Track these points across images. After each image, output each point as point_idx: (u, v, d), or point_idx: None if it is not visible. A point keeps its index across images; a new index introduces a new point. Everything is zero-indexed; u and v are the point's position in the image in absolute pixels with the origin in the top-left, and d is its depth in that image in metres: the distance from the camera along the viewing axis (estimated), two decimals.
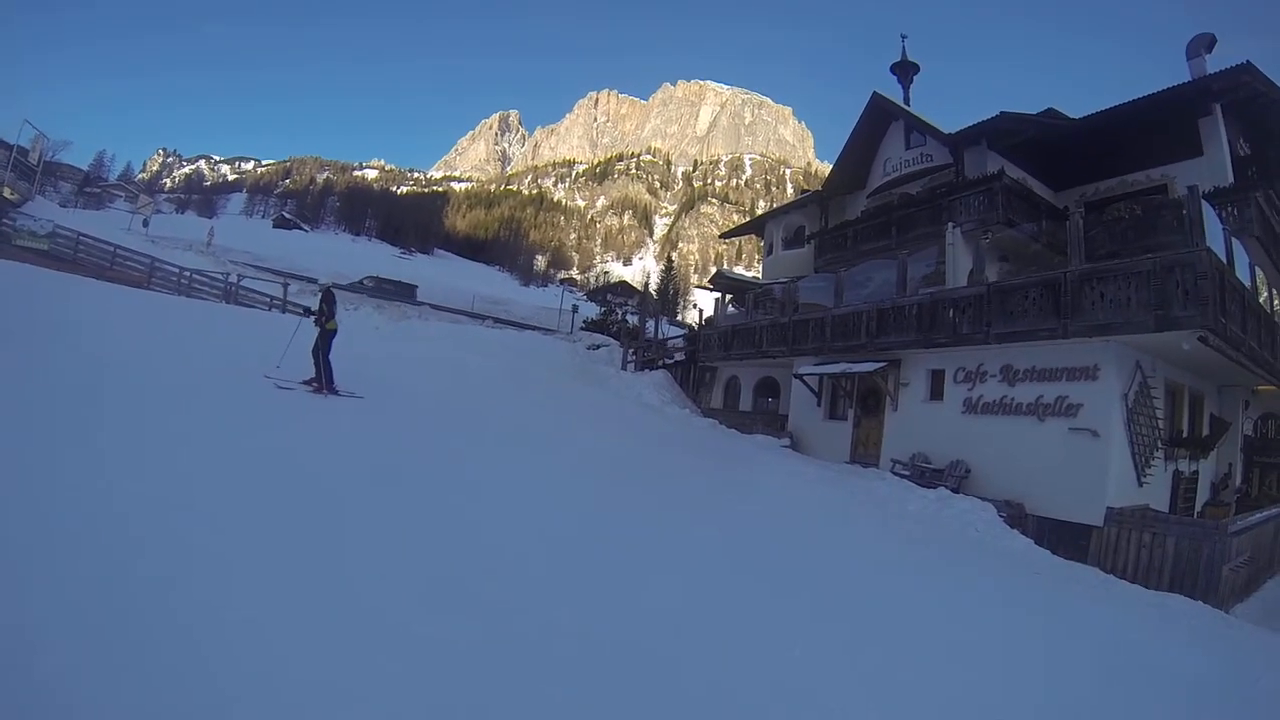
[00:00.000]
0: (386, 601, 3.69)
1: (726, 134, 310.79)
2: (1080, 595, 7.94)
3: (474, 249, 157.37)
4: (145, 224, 48.10)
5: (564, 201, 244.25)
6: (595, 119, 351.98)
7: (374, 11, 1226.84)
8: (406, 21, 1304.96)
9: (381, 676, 2.91)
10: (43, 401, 6.09)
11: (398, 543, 4.68)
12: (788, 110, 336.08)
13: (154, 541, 3.78)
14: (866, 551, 8.31)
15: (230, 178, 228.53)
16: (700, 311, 32.07)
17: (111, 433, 5.71)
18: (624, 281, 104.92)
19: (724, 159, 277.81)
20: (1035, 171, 17.79)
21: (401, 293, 50.10)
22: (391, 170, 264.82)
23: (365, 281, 48.91)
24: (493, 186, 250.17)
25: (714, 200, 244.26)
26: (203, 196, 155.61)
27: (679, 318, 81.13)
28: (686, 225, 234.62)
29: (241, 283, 28.80)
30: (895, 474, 14.04)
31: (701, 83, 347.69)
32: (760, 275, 30.52)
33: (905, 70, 23.87)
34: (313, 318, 11.12)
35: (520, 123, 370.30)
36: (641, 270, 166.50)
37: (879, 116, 21.68)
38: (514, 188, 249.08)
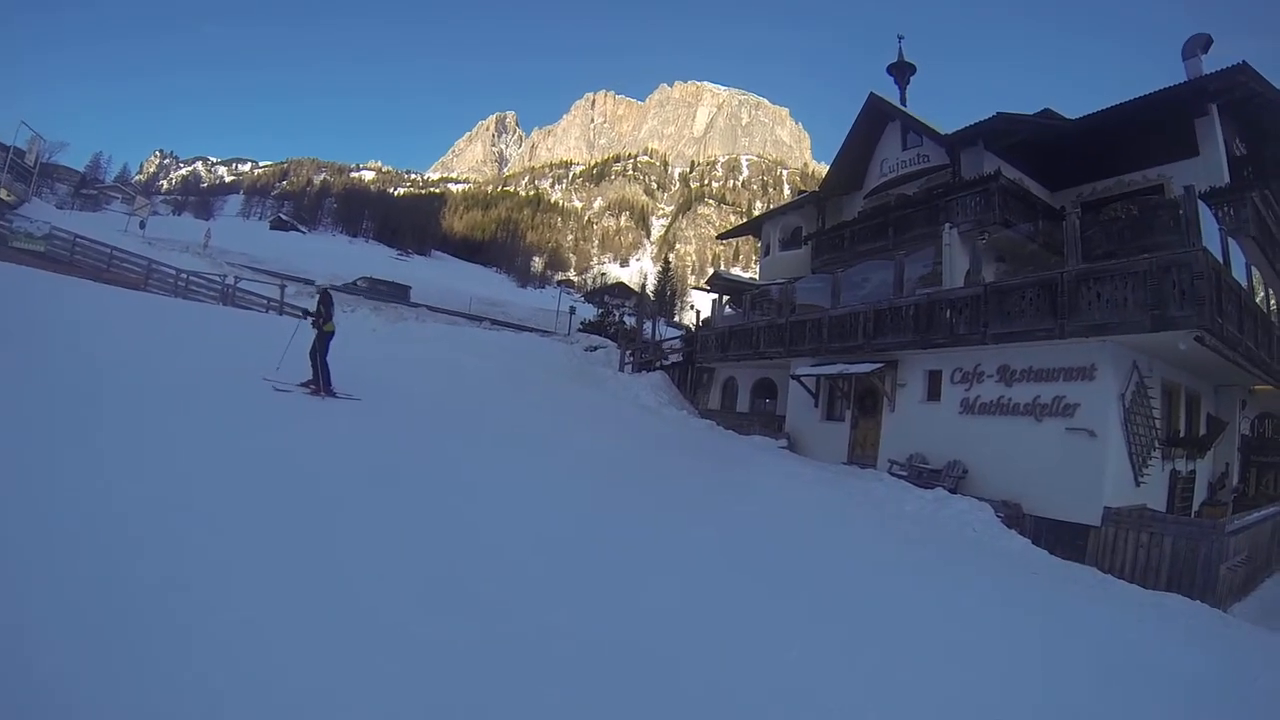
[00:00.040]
0: (384, 602, 3.69)
1: (723, 135, 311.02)
2: (1078, 595, 7.95)
3: (471, 250, 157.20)
4: (142, 226, 47.99)
5: (561, 203, 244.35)
6: (592, 120, 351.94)
7: (371, 12, 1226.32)
8: (404, 23, 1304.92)
9: (378, 678, 2.90)
10: (41, 403, 6.08)
11: (395, 544, 4.67)
12: (785, 111, 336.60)
13: (152, 542, 3.79)
14: (864, 552, 8.31)
15: (227, 179, 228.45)
16: (697, 313, 32.07)
17: (109, 435, 5.70)
18: (621, 283, 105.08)
19: (721, 160, 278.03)
20: (1032, 172, 17.82)
21: (395, 293, 50.09)
22: (388, 172, 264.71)
23: (359, 282, 48.83)
24: (490, 188, 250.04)
25: (711, 201, 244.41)
26: (199, 198, 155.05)
27: (676, 319, 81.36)
28: (683, 226, 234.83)
29: (239, 284, 28.73)
30: (892, 475, 14.03)
31: (698, 84, 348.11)
32: (757, 276, 30.58)
33: (902, 71, 23.93)
34: (310, 320, 11.10)
35: (517, 124, 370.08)
36: (639, 271, 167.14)
37: (876, 117, 21.72)
38: (511, 189, 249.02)
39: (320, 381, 10.48)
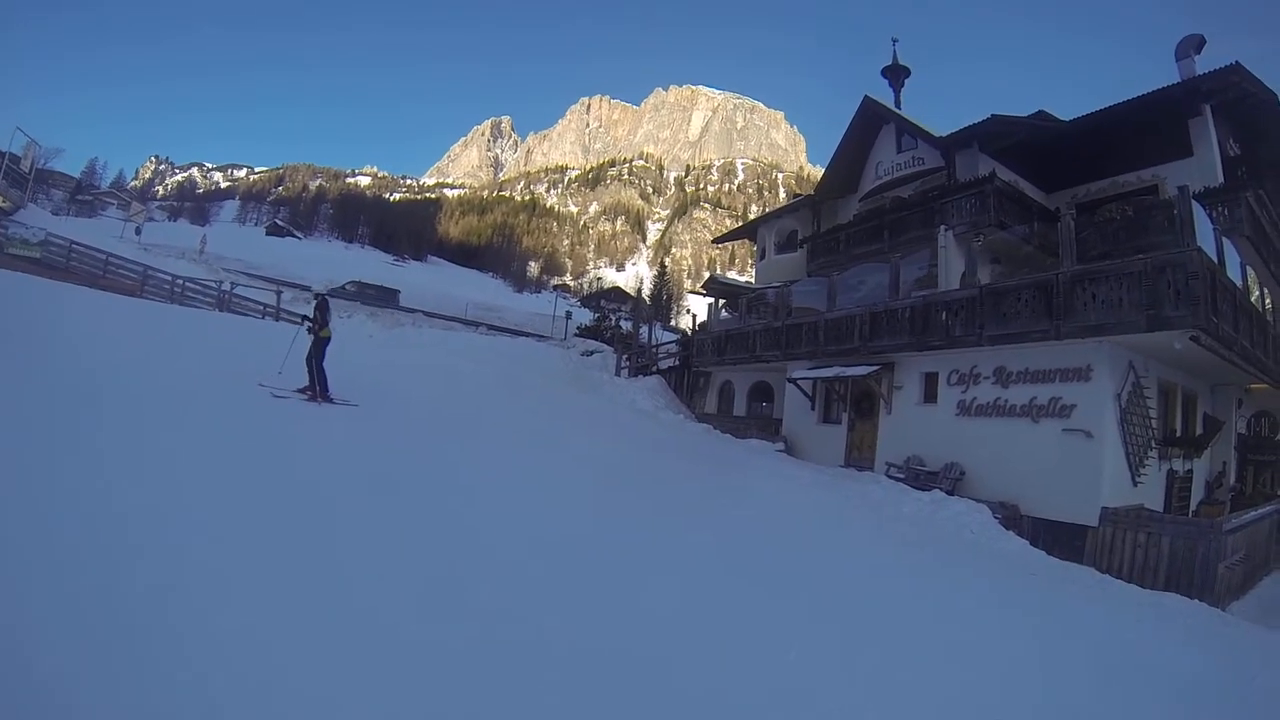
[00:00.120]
0: (382, 604, 3.69)
1: (719, 139, 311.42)
2: (1076, 595, 7.94)
3: (467, 255, 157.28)
4: (138, 232, 47.86)
5: (557, 207, 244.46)
6: (587, 124, 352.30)
7: (366, 18, 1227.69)
8: (399, 28, 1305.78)
9: (377, 680, 2.89)
10: (39, 409, 6.07)
11: (393, 547, 4.66)
12: (780, 114, 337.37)
13: (151, 545, 3.79)
14: (862, 554, 8.29)
15: (223, 185, 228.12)
16: (694, 316, 32.05)
17: (107, 441, 5.69)
18: (617, 287, 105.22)
19: (716, 164, 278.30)
20: (1026, 174, 17.88)
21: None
22: (384, 177, 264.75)
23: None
24: (485, 193, 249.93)
25: (707, 205, 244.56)
26: (195, 204, 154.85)
27: (672, 323, 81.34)
28: (679, 230, 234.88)
29: (235, 290, 28.69)
30: (890, 477, 14.04)
31: (693, 87, 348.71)
32: (753, 280, 30.59)
33: (896, 74, 24.00)
34: (307, 326, 11.09)
35: (513, 129, 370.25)
36: (635, 276, 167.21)
37: (870, 120, 21.80)
38: (507, 194, 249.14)
39: (317, 387, 10.47)
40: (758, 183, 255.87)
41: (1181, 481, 13.63)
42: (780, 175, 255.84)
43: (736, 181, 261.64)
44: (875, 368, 15.78)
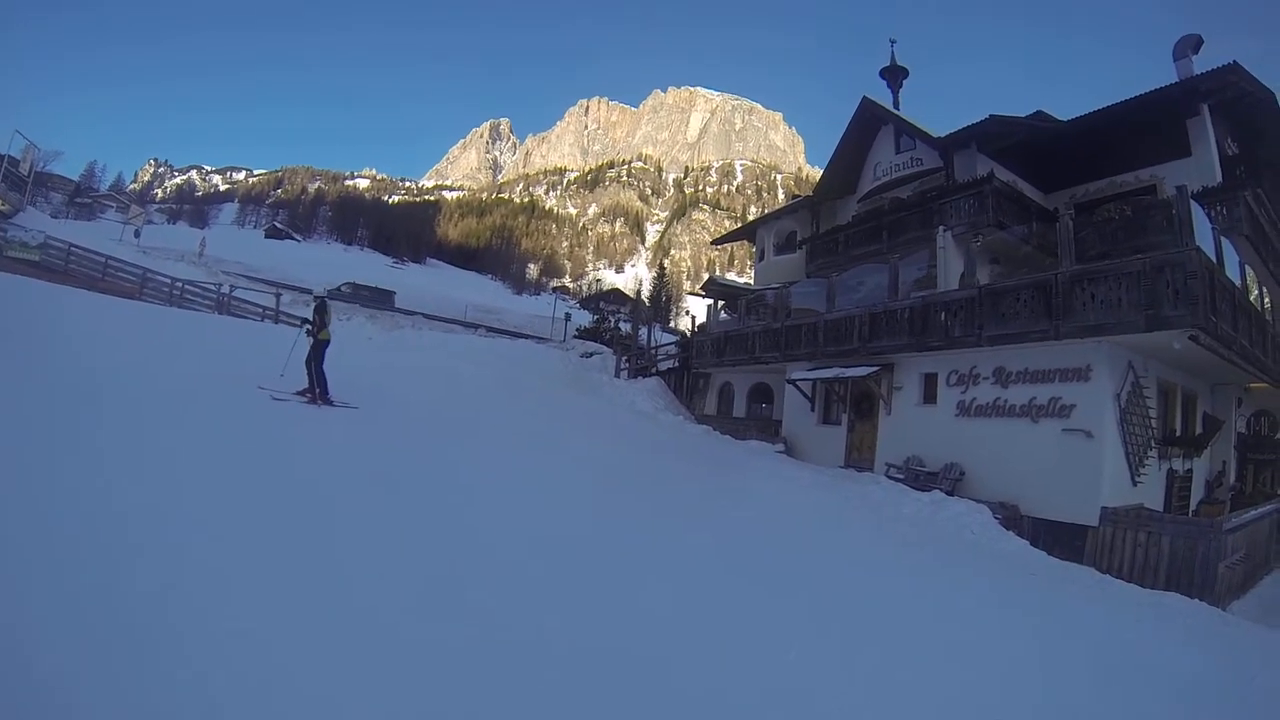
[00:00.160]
0: (381, 605, 3.69)
1: (717, 140, 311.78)
2: (1076, 595, 7.94)
3: (466, 258, 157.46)
4: (137, 235, 47.79)
5: (556, 209, 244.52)
6: (586, 126, 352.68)
7: (365, 20, 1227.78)
8: (397, 30, 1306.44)
9: (376, 679, 2.89)
10: (39, 411, 6.07)
11: (393, 547, 4.67)
12: (778, 116, 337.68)
13: (151, 546, 3.80)
14: (861, 555, 8.29)
15: (222, 188, 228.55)
16: (693, 318, 31.99)
17: (107, 442, 5.70)
18: (616, 289, 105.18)
19: (715, 165, 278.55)
20: (1025, 174, 17.88)
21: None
22: (383, 179, 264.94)
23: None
24: (484, 195, 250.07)
25: (705, 207, 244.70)
26: (194, 207, 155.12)
27: (672, 324, 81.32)
28: (678, 232, 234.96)
29: (234, 293, 28.68)
30: (890, 478, 14.03)
31: (692, 89, 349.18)
32: (752, 281, 30.59)
33: (894, 75, 24.02)
34: (306, 328, 11.10)
35: (511, 131, 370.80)
36: (634, 277, 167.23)
37: (869, 121, 21.80)
38: (505, 196, 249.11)
39: (316, 390, 10.48)
40: (756, 184, 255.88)
41: (1181, 481, 13.63)
42: (779, 176, 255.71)
43: (735, 183, 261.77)
44: (875, 369, 15.78)
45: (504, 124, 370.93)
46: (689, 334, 30.77)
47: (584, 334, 42.84)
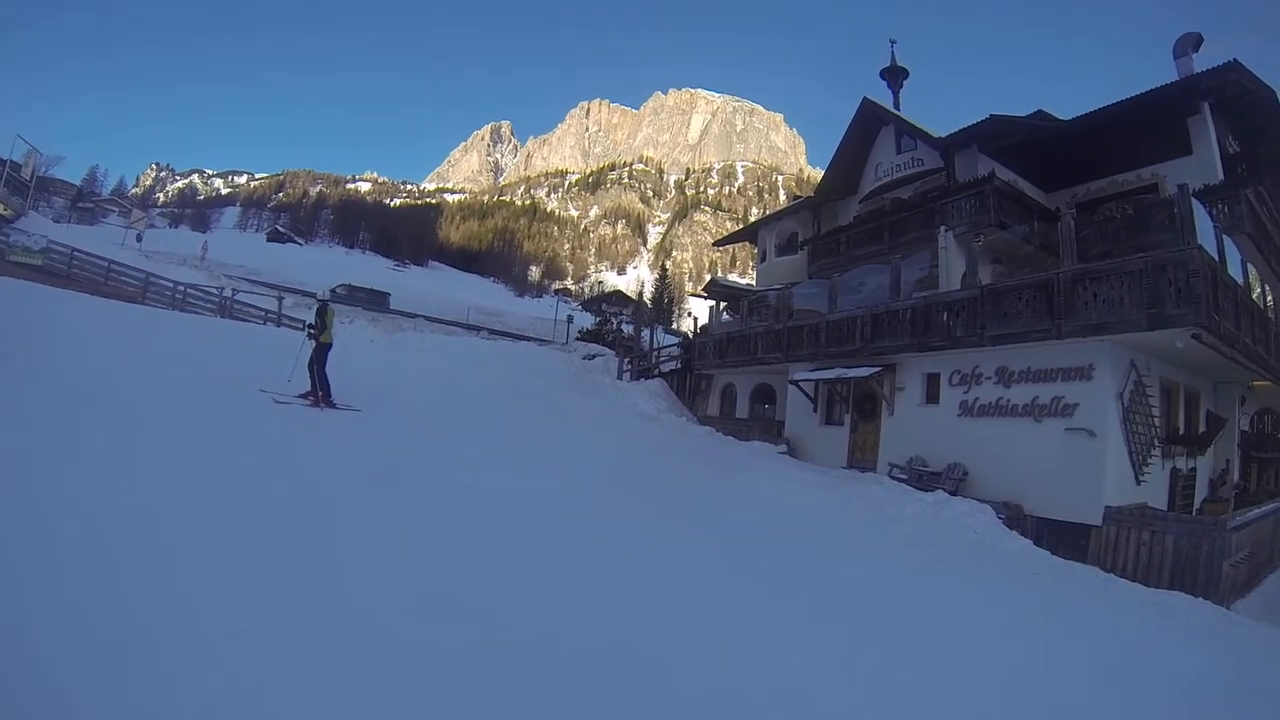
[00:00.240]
0: (380, 606, 3.69)
1: (718, 142, 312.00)
2: (1080, 594, 7.92)
3: (468, 260, 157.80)
4: (139, 239, 47.94)
5: (557, 211, 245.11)
6: (587, 129, 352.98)
7: (365, 23, 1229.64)
8: (397, 32, 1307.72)
9: (376, 680, 2.88)
10: (41, 414, 6.08)
11: (394, 549, 4.66)
12: (779, 117, 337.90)
13: (152, 547, 3.81)
14: (864, 555, 8.28)
15: (224, 191, 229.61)
16: (695, 319, 32.00)
17: (109, 445, 5.71)
18: (618, 291, 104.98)
19: (716, 167, 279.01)
20: (1026, 173, 17.87)
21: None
22: (384, 183, 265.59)
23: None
24: (486, 198, 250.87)
25: (707, 208, 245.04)
26: (196, 211, 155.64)
27: (674, 326, 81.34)
28: (680, 233, 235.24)
29: (236, 297, 28.71)
30: (893, 478, 14.01)
31: (692, 91, 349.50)
32: (754, 282, 30.59)
33: (895, 75, 24.05)
34: (309, 331, 11.12)
35: (512, 133, 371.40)
36: (636, 279, 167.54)
37: (870, 122, 21.82)
38: (507, 198, 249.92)
39: (319, 393, 10.49)
40: (758, 185, 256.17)
41: (1185, 480, 13.60)
42: (780, 177, 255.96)
43: (736, 184, 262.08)
44: (877, 369, 15.76)
45: (505, 126, 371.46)
46: (691, 335, 30.79)
47: (586, 336, 42.84)
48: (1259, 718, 4.95)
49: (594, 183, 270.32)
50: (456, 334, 38.97)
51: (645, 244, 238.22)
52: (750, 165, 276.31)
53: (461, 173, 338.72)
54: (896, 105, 23.02)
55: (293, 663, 2.92)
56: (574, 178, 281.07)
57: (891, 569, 7.61)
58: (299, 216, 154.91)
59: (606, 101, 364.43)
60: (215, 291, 28.79)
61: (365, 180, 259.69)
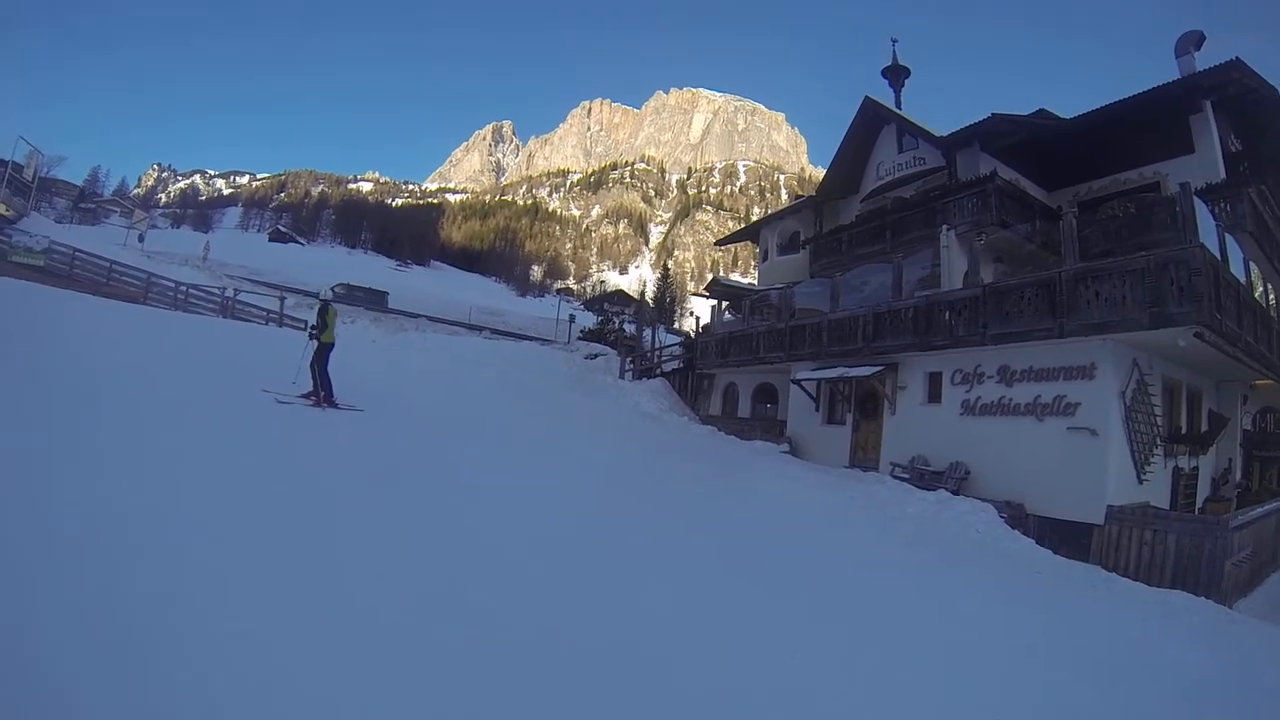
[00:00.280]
0: (381, 605, 3.68)
1: (720, 141, 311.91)
2: (1082, 594, 7.92)
3: (470, 260, 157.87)
4: (141, 239, 47.98)
5: (559, 211, 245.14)
6: (589, 128, 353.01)
7: (365, 23, 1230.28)
8: (398, 33, 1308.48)
9: (375, 681, 2.88)
10: (42, 414, 6.08)
11: (395, 549, 4.66)
12: (780, 116, 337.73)
13: (153, 547, 3.80)
14: (866, 554, 8.28)
15: (225, 192, 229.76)
16: (697, 319, 31.98)
17: (110, 444, 5.70)
18: (620, 290, 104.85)
19: (718, 166, 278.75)
20: (1028, 172, 17.86)
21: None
22: (386, 183, 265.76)
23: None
24: (487, 197, 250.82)
25: (709, 207, 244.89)
26: (198, 211, 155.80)
27: (676, 325, 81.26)
28: (682, 233, 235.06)
29: (238, 297, 28.74)
30: (895, 477, 14.01)
31: (694, 90, 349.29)
32: (756, 282, 30.59)
33: (896, 74, 24.00)
34: (310, 331, 11.12)
35: (514, 133, 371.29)
36: (638, 279, 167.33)
37: (871, 121, 21.81)
38: (509, 198, 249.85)
39: (321, 392, 10.49)
40: (759, 184, 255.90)
41: (1187, 479, 13.59)
42: (782, 177, 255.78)
43: (738, 183, 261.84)
44: (879, 368, 15.76)
45: (506, 126, 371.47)
46: (693, 335, 30.76)
47: (588, 336, 42.79)
48: (1261, 717, 4.95)
49: (596, 182, 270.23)
50: (459, 334, 38.99)
51: (647, 243, 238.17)
52: (752, 165, 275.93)
53: (463, 172, 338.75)
54: (898, 104, 22.97)
55: (294, 663, 2.92)
56: (576, 177, 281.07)
57: (893, 568, 7.61)
58: (301, 217, 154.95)
59: (608, 101, 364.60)
60: (217, 292, 28.82)
61: (367, 180, 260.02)
